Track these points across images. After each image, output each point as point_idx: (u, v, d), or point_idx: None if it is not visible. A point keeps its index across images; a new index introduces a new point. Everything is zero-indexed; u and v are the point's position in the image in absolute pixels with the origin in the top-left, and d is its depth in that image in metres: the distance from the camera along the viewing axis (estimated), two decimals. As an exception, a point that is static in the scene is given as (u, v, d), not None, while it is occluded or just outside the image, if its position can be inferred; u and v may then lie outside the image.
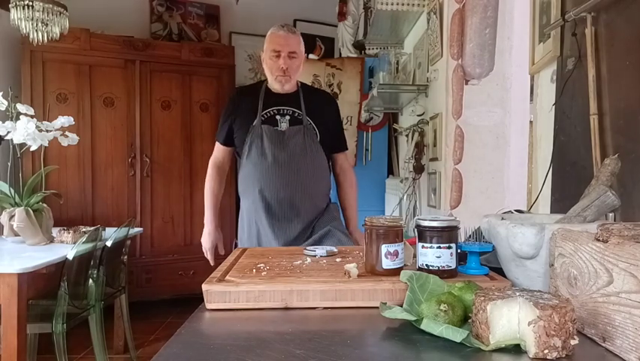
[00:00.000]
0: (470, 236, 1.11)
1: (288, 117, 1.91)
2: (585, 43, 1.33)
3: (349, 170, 2.13)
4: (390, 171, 3.78)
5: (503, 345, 0.68)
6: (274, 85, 1.94)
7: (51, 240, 2.49)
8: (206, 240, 2.07)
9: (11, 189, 2.38)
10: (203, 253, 2.09)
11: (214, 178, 2.07)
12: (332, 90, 3.54)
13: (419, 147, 2.72)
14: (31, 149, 2.30)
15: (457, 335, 0.70)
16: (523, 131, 2.23)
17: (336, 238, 1.83)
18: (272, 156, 1.85)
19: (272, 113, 1.92)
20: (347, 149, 2.12)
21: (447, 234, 0.98)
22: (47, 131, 2.36)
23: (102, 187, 3.76)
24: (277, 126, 1.89)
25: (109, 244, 2.53)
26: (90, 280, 2.43)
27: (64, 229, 2.55)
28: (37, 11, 2.62)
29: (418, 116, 2.79)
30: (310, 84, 2.78)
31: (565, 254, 0.81)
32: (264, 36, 1.96)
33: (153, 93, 3.91)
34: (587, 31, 1.32)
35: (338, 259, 1.20)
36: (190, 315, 0.89)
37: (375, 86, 3.01)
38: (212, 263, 2.00)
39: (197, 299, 0.94)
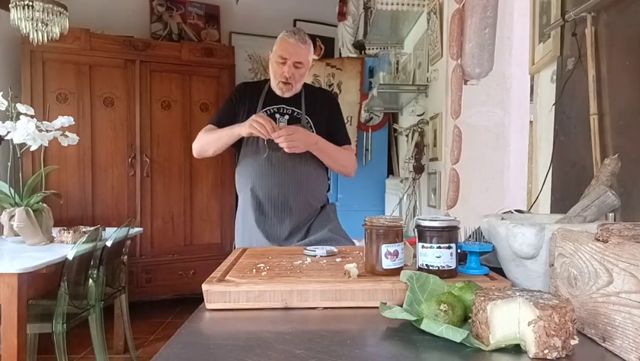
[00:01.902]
0: (470, 236, 1.11)
1: (287, 117, 1.92)
2: (585, 43, 1.33)
3: (351, 153, 2.10)
4: (391, 171, 3.78)
5: (503, 345, 0.68)
6: (276, 89, 1.94)
7: (51, 240, 2.48)
8: (248, 123, 1.75)
9: (11, 189, 2.38)
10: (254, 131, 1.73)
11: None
12: (332, 90, 3.54)
13: (419, 147, 2.72)
14: (31, 149, 2.30)
15: (457, 335, 0.70)
16: (523, 131, 2.23)
17: (335, 241, 1.83)
18: (266, 154, 1.85)
19: (271, 111, 1.92)
20: (349, 143, 2.08)
21: (447, 234, 0.98)
22: (47, 131, 2.36)
23: (102, 187, 3.76)
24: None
25: (109, 244, 2.53)
26: (90, 280, 2.43)
27: (64, 229, 2.54)
28: (37, 11, 2.62)
29: (418, 116, 2.80)
30: (311, 83, 2.78)
31: (565, 254, 0.81)
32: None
33: (153, 93, 3.91)
34: (587, 31, 1.32)
35: (338, 259, 1.20)
36: (190, 315, 0.89)
37: (375, 86, 3.01)
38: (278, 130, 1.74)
39: (197, 299, 0.94)
